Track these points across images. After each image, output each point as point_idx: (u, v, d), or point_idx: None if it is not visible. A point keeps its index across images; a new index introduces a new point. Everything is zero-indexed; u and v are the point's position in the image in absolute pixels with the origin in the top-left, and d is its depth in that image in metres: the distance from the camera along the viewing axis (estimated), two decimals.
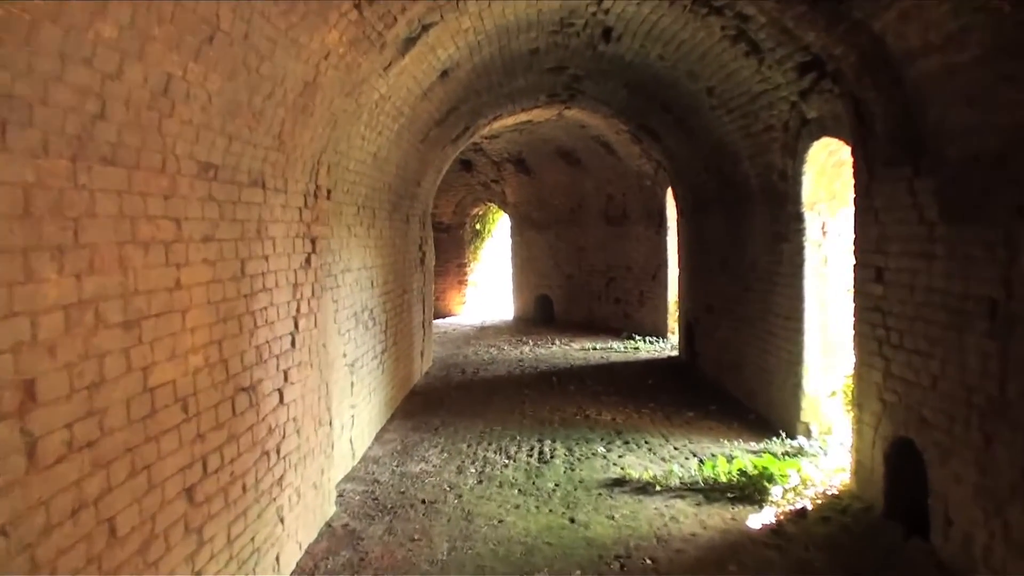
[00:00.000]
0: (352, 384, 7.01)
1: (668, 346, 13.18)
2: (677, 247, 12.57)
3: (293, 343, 5.04)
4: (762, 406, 8.33)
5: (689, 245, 11.54)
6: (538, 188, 17.08)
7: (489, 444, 7.57)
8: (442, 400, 9.58)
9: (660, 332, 13.92)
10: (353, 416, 7.03)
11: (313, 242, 5.50)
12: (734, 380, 9.40)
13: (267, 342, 4.60)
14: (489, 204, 18.34)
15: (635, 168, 14.24)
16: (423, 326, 11.35)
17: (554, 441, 7.61)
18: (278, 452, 4.75)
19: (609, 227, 15.73)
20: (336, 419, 6.39)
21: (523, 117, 13.40)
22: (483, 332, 15.80)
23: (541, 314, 17.33)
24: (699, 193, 10.74)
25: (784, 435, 7.30)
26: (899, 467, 5.41)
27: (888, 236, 5.41)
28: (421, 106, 8.25)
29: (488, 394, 9.81)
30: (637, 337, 13.96)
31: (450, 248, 18.61)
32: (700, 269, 10.90)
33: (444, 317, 18.26)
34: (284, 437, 4.86)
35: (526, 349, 13.40)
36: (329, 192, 6.38)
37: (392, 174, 8.65)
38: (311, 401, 5.39)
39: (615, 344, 13.53)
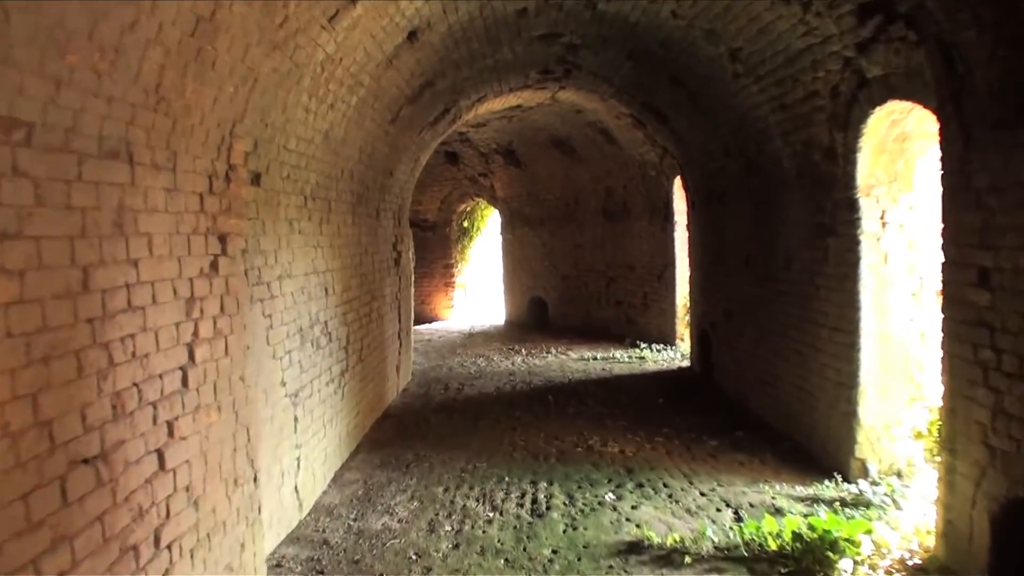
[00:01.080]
0: (296, 419, 5.59)
1: (678, 355, 11.78)
2: (688, 243, 11.16)
3: (185, 381, 3.61)
4: (801, 434, 6.94)
5: (702, 241, 10.14)
6: (530, 181, 15.66)
7: (471, 488, 6.14)
8: (419, 425, 8.16)
9: (668, 339, 12.52)
10: (299, 458, 5.61)
11: (223, 240, 4.07)
12: (762, 400, 8.00)
13: (134, 385, 3.17)
14: (477, 199, 16.93)
15: (637, 157, 12.83)
16: (399, 337, 9.94)
17: (551, 483, 6.18)
18: (156, 542, 3.32)
19: (608, 223, 14.33)
20: (270, 468, 4.97)
21: (512, 100, 11.99)
22: (471, 339, 14.39)
23: (535, 318, 15.92)
24: (715, 181, 9.34)
25: (837, 476, 5.89)
26: (1011, 536, 4.02)
27: (998, 225, 4.01)
28: (386, 76, 6.83)
29: (473, 418, 8.40)
30: (642, 345, 12.56)
31: (435, 248, 17.20)
32: (717, 268, 9.50)
33: (430, 322, 16.84)
34: (168, 518, 3.43)
35: (518, 359, 11.98)
36: (258, 176, 4.96)
37: (354, 159, 7.23)
38: (218, 457, 3.96)
39: (618, 353, 12.12)
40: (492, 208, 17.02)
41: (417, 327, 15.79)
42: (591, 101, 11.53)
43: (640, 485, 6.09)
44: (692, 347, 10.90)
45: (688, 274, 11.65)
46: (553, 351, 12.57)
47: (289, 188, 5.60)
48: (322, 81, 5.56)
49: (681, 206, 12.19)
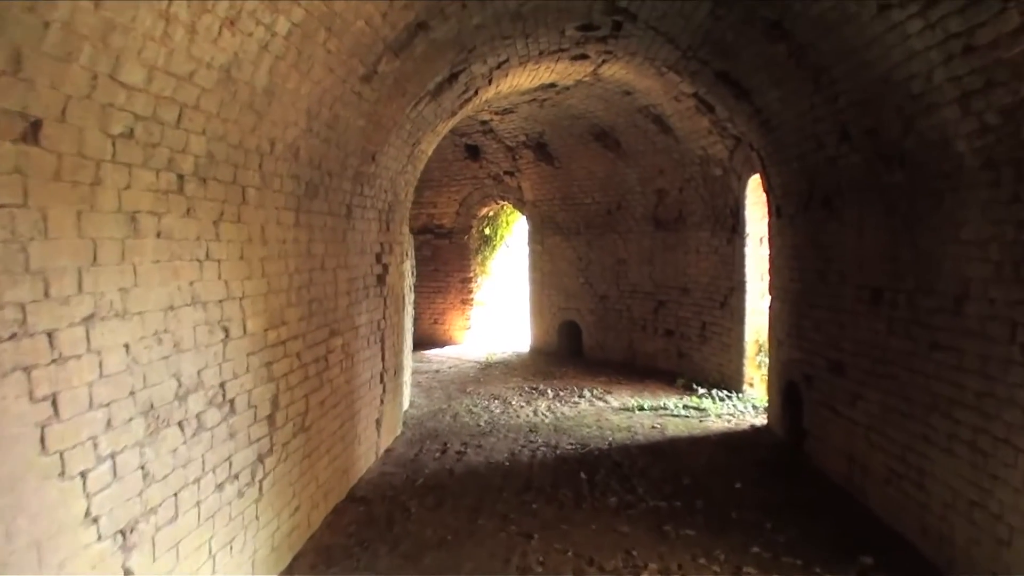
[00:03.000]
0: (129, 574, 3.11)
1: (748, 408, 9.12)
2: (769, 263, 8.52)
3: None
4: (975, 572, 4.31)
5: (794, 261, 7.50)
6: (565, 182, 13.11)
7: None
8: (393, 521, 5.64)
9: (732, 383, 9.87)
10: None
11: None
12: (895, 502, 5.36)
13: None
14: (502, 202, 14.42)
15: (699, 152, 10.24)
16: (382, 380, 7.45)
17: None
18: None
19: (659, 233, 11.74)
20: None
21: (544, 76, 9.49)
22: (488, 372, 11.85)
23: (566, 346, 13.35)
24: (821, 178, 6.72)
25: None
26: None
27: None
28: None
29: (471, 510, 5.85)
30: (699, 389, 9.94)
31: (452, 259, 14.72)
32: (816, 299, 6.88)
33: (442, 347, 14.36)
34: None
35: (542, 406, 9.41)
36: (36, 125, 2.52)
37: (298, 128, 4.75)
38: None
39: (670, 401, 9.49)
40: (519, 213, 14.51)
41: (426, 352, 13.37)
42: (644, 77, 8.98)
43: None
44: (771, 401, 8.26)
45: (767, 303, 9.06)
46: (587, 394, 9.98)
47: (133, 156, 3.13)
48: None
49: (756, 214, 9.58)
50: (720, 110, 8.66)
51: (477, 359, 12.96)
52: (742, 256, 9.69)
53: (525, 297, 14.24)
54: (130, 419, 3.14)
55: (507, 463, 7.03)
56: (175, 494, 3.49)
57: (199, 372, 3.71)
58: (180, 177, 3.53)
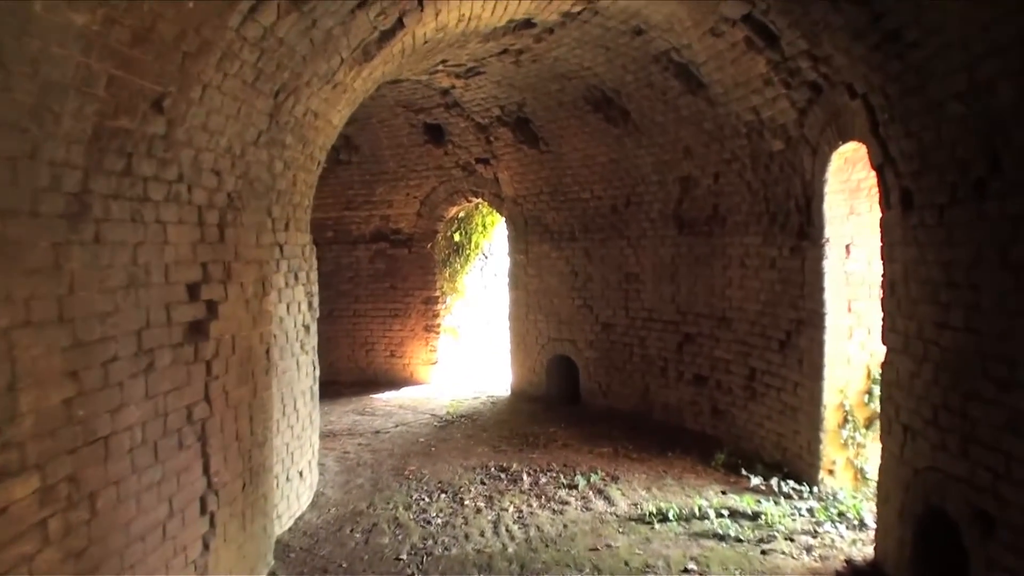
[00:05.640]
0: None
1: (833, 516, 5.69)
2: (883, 288, 5.06)
3: None
4: None
5: (948, 289, 4.09)
6: (554, 169, 9.77)
7: None
8: None
9: (800, 466, 6.49)
10: None
11: None
12: None
13: None
14: (475, 200, 11.08)
15: (747, 116, 6.88)
16: (209, 508, 4.10)
17: None
18: None
19: (685, 238, 8.38)
20: None
21: (513, 5, 6.24)
22: (445, 433, 8.50)
23: (557, 390, 10.01)
24: (1018, 131, 3.36)
25: None
26: None
27: None
28: None
29: None
30: (752, 476, 6.56)
31: (412, 273, 11.40)
32: (1018, 368, 3.50)
33: (399, 387, 11.05)
34: None
35: (510, 510, 6.01)
36: None
37: None
38: None
39: (707, 500, 6.07)
40: (497, 213, 11.17)
41: (377, 396, 10.27)
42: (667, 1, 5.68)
43: None
44: (886, 525, 4.82)
45: (856, 346, 5.77)
46: (581, 482, 6.59)
47: None
48: None
49: (839, 208, 6.23)
50: (791, 37, 5.33)
51: (437, 409, 9.61)
52: (817, 273, 6.31)
53: (505, 322, 10.89)
54: None
55: None
56: None
57: None
58: None
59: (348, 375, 11.40)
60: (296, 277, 5.94)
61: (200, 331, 4.14)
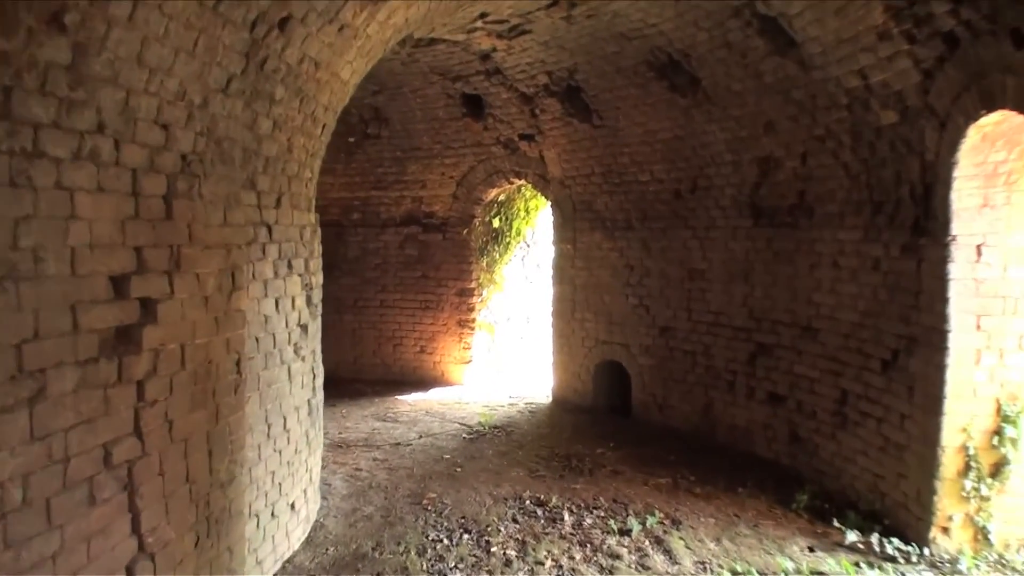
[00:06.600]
0: None
1: None
2: None
3: None
4: None
5: None
6: (609, 147, 8.52)
7: None
8: None
9: (905, 518, 5.20)
10: None
11: None
12: None
13: None
14: (517, 181, 9.91)
15: (850, 82, 5.55)
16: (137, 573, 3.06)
17: None
18: None
19: (762, 230, 7.11)
20: None
21: None
22: (475, 449, 7.40)
23: (605, 399, 8.83)
24: None
25: None
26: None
27: None
28: None
29: None
30: (845, 528, 5.31)
31: (446, 261, 10.30)
32: None
33: (428, 387, 10.01)
34: None
35: (548, 559, 4.89)
36: None
37: None
38: None
39: (788, 559, 4.90)
40: (542, 196, 9.98)
41: (403, 397, 9.37)
42: None
43: None
44: None
45: (987, 374, 4.52)
46: (635, 526, 5.39)
47: None
48: None
49: (971, 198, 4.93)
50: None
51: (468, 418, 8.51)
52: (938, 279, 5.02)
53: (549, 321, 9.72)
54: None
55: None
56: None
57: None
58: None
59: (372, 372, 10.38)
60: (290, 266, 4.86)
61: (128, 340, 3.07)
